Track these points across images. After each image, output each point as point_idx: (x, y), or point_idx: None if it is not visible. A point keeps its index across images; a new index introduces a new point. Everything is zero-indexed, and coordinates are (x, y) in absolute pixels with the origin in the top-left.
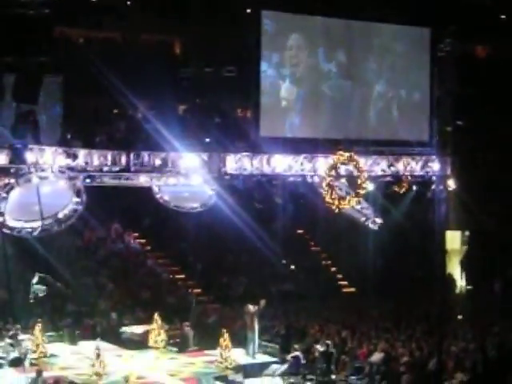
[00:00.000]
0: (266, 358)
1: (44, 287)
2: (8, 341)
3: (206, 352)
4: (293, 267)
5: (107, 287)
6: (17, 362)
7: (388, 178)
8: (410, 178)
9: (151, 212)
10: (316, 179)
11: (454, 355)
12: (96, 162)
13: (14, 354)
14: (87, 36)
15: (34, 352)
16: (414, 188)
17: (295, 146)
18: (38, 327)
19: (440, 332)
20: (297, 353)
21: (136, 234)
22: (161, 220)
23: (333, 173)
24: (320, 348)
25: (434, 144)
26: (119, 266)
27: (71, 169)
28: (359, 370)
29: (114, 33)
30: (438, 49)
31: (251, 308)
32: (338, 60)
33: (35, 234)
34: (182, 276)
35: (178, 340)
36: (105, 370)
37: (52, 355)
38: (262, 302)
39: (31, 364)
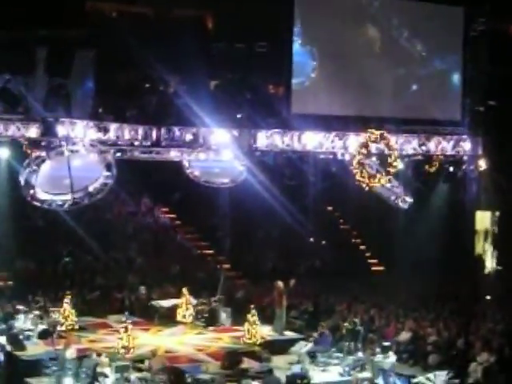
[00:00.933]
0: (293, 335)
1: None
2: (37, 313)
3: (234, 328)
4: (323, 243)
5: (136, 261)
6: (45, 334)
7: (419, 157)
8: (441, 157)
9: (181, 187)
10: (347, 157)
11: (481, 336)
12: (127, 136)
13: (43, 326)
14: (119, 10)
15: (63, 324)
16: (445, 167)
17: (326, 123)
18: (66, 299)
19: (468, 312)
20: (324, 330)
21: (166, 209)
22: (191, 195)
23: (364, 151)
24: (347, 326)
25: (466, 124)
26: (149, 241)
27: (102, 142)
28: (386, 349)
29: (146, 7)
30: (471, 28)
31: (280, 284)
32: (369, 37)
33: (65, 207)
34: (211, 251)
35: (205, 315)
36: (132, 343)
37: (80, 328)
38: (292, 282)
39: (59, 336)
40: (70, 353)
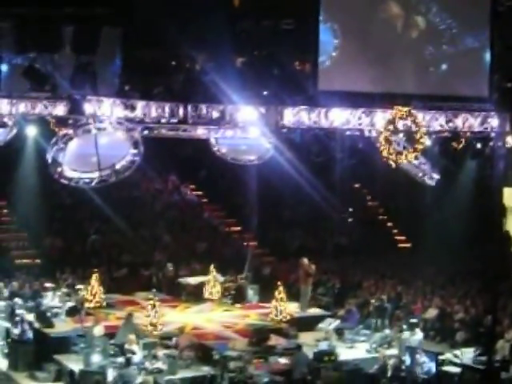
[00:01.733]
0: (321, 312)
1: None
2: (64, 290)
3: (261, 305)
4: (350, 220)
5: (163, 239)
6: (73, 312)
7: (446, 134)
8: (468, 133)
9: (208, 164)
10: (374, 134)
11: (509, 313)
12: (154, 114)
13: (71, 304)
14: None
15: (90, 302)
16: (473, 144)
17: (353, 99)
18: (94, 277)
19: (495, 289)
20: (351, 307)
21: (193, 186)
22: (217, 172)
23: (391, 127)
24: (375, 303)
25: (494, 100)
26: (176, 218)
27: (129, 120)
28: (413, 326)
29: None
30: (498, 3)
31: (306, 262)
32: (396, 13)
33: (93, 184)
34: (238, 229)
35: (232, 292)
36: (160, 320)
37: (108, 305)
38: (313, 267)
39: (87, 314)
40: (99, 330)
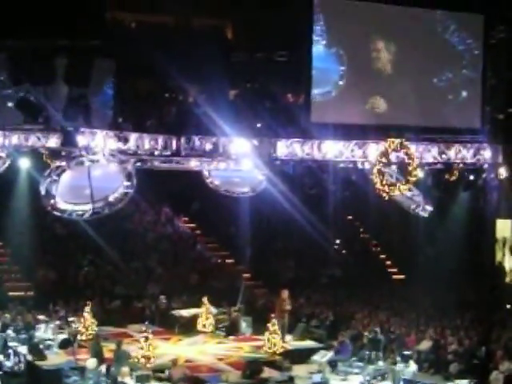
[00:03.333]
0: (314, 344)
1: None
2: (57, 322)
3: (254, 337)
4: (343, 251)
5: (156, 271)
6: (66, 344)
7: (439, 166)
8: (461, 165)
9: (201, 196)
10: (366, 165)
11: (502, 344)
12: (147, 146)
13: (63, 336)
14: (139, 20)
15: (83, 334)
16: (465, 176)
17: (346, 132)
18: (87, 309)
19: (489, 321)
20: (344, 339)
21: (186, 218)
22: (211, 204)
23: (383, 159)
24: (368, 335)
25: (486, 132)
26: (168, 250)
27: (122, 152)
28: (407, 358)
29: (165, 17)
30: (490, 36)
31: (285, 295)
32: (389, 47)
33: (86, 216)
34: (231, 260)
35: (226, 324)
36: (153, 353)
37: (102, 338)
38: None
39: (80, 346)
40: (92, 362)
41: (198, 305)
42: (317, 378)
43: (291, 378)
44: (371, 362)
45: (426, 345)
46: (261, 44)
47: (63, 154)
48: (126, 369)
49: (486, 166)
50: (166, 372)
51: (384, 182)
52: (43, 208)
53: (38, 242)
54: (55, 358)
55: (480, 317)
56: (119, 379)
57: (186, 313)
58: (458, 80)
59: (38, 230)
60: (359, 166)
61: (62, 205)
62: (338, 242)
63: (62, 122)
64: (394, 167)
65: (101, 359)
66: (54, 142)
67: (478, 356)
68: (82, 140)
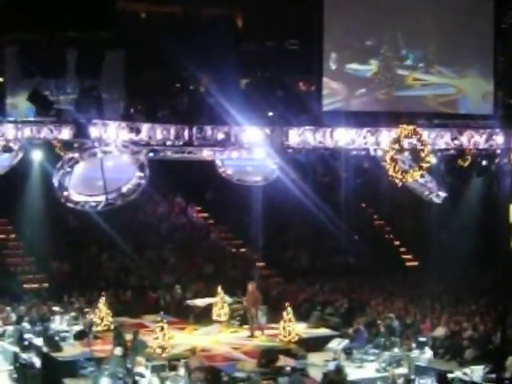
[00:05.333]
0: (329, 332)
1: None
2: (72, 314)
3: (269, 325)
4: (356, 238)
5: (170, 261)
6: (81, 335)
7: (452, 152)
8: (473, 151)
9: (214, 186)
10: (379, 153)
11: None
12: (159, 137)
13: (79, 327)
14: (149, 10)
15: (98, 325)
16: (478, 161)
17: (358, 119)
18: (102, 300)
19: (503, 306)
20: (359, 326)
21: (199, 208)
22: (224, 194)
23: (396, 146)
24: (383, 322)
25: (499, 117)
26: (182, 240)
27: (134, 143)
28: (422, 344)
29: (175, 7)
30: (501, 21)
31: (252, 287)
32: (400, 31)
33: (99, 208)
34: (245, 250)
35: (240, 313)
36: (168, 343)
37: (116, 328)
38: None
39: (95, 337)
40: (119, 350)
41: (213, 294)
42: (332, 365)
43: (295, 369)
44: (386, 348)
45: (441, 331)
46: (272, 33)
47: (76, 145)
48: (141, 359)
49: (498, 151)
50: (182, 362)
51: (397, 169)
52: (56, 200)
53: (51, 234)
54: (71, 350)
55: (495, 302)
56: (135, 369)
57: (200, 302)
58: (469, 65)
59: (52, 222)
60: (371, 153)
61: (75, 196)
62: (354, 229)
63: (74, 113)
64: (406, 154)
65: (125, 348)
66: (66, 133)
67: (494, 342)
68: (94, 131)
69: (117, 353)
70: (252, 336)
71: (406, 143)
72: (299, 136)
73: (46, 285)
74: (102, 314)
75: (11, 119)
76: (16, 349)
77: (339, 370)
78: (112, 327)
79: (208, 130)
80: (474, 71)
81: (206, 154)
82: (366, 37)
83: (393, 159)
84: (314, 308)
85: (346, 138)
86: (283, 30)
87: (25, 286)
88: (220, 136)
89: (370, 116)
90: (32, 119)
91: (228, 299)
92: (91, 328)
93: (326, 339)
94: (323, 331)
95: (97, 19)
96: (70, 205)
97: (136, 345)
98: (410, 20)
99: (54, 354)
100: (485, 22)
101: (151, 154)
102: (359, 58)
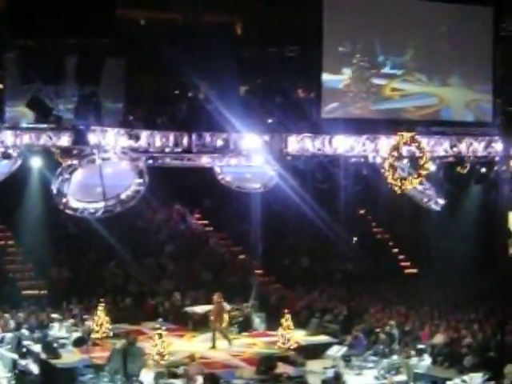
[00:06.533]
0: (328, 339)
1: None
2: (71, 321)
3: (268, 333)
4: (355, 243)
5: (169, 267)
6: (80, 342)
7: (450, 159)
8: (472, 158)
9: (213, 193)
10: (378, 160)
11: None
12: (158, 143)
13: (77, 334)
14: (149, 17)
15: (97, 332)
16: (477, 169)
17: (357, 126)
18: (100, 307)
19: (502, 313)
20: (358, 334)
21: (198, 215)
22: (223, 201)
23: (395, 153)
24: (382, 329)
25: (497, 124)
26: (181, 247)
27: (133, 150)
28: (421, 352)
29: (175, 14)
30: (500, 28)
31: (218, 298)
32: (397, 41)
33: (98, 214)
34: (244, 256)
35: (239, 320)
36: (167, 350)
37: (115, 335)
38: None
39: (94, 344)
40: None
41: (212, 301)
42: (331, 373)
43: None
44: (385, 356)
45: (439, 338)
46: (271, 39)
47: (75, 152)
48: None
49: (497, 158)
50: (181, 368)
51: (396, 176)
52: (55, 207)
53: (50, 241)
54: (69, 357)
55: (494, 310)
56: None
57: (199, 309)
58: (468, 72)
59: (51, 228)
60: (370, 160)
61: (74, 203)
62: (353, 237)
63: (73, 120)
64: (405, 161)
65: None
66: (65, 140)
67: (492, 349)
68: (93, 138)
69: (118, 347)
70: (214, 347)
71: (404, 150)
72: (298, 143)
73: (44, 291)
74: (100, 320)
75: (10, 126)
76: (15, 355)
77: (338, 378)
78: (111, 334)
79: (207, 137)
80: (456, 79)
81: (204, 160)
82: (340, 42)
83: (392, 166)
84: (312, 315)
85: (344, 145)
86: (282, 36)
87: (24, 292)
88: (219, 143)
89: (369, 123)
90: (31, 125)
91: (227, 306)
92: (90, 335)
93: (325, 346)
94: (322, 338)
95: (96, 26)
96: (68, 211)
97: (133, 352)
98: (387, 22)
99: (53, 361)
100: (468, 28)
101: (150, 161)
102: (330, 67)
